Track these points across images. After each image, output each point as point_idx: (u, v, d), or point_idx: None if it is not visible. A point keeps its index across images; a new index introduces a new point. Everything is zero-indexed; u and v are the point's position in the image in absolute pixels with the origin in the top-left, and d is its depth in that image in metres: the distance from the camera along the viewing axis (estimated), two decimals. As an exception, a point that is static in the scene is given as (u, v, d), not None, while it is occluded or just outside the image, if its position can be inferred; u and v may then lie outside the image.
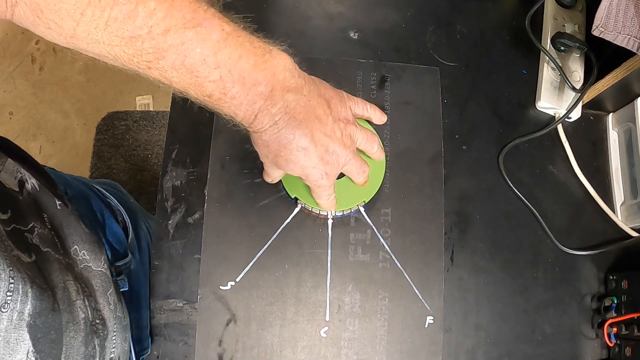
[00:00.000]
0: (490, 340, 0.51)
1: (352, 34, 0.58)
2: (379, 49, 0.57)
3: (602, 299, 0.52)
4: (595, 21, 0.47)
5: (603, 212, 0.55)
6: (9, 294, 0.29)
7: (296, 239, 0.50)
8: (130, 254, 0.54)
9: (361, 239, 0.51)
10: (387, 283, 0.50)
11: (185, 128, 0.53)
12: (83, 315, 0.36)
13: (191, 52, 0.31)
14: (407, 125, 0.55)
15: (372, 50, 0.57)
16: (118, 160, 1.42)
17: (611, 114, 0.58)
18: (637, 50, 0.47)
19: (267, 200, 0.51)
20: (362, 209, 0.51)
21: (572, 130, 0.58)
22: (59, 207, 0.40)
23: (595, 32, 0.47)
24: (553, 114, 0.58)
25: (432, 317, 0.50)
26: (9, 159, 0.39)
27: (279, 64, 0.35)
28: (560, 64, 0.55)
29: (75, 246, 0.40)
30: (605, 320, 0.51)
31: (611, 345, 0.51)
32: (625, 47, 0.47)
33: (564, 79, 0.55)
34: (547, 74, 0.57)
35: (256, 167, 0.51)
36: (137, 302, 0.51)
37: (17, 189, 0.38)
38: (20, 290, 0.29)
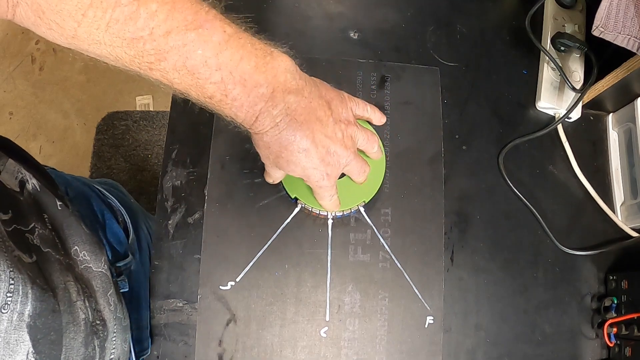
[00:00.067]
0: (490, 340, 0.51)
1: (352, 34, 0.58)
2: (379, 49, 0.57)
3: (602, 299, 0.52)
4: (595, 21, 0.47)
5: (603, 212, 0.55)
6: (9, 295, 0.29)
7: (296, 239, 0.50)
8: (130, 255, 0.54)
9: (361, 239, 0.51)
10: (387, 283, 0.50)
11: (185, 128, 0.53)
12: (83, 316, 0.36)
13: (192, 54, 0.31)
14: (407, 125, 0.55)
15: (372, 50, 0.57)
16: (118, 160, 1.42)
17: (611, 114, 0.58)
18: (637, 50, 0.47)
19: (267, 200, 0.51)
20: (362, 209, 0.51)
21: (572, 130, 0.58)
22: (59, 208, 0.40)
23: (595, 32, 0.47)
24: (553, 114, 0.58)
25: (432, 317, 0.50)
26: (9, 159, 0.39)
27: (280, 65, 0.35)
28: (560, 64, 0.55)
29: (76, 247, 0.40)
30: (605, 320, 0.51)
31: (611, 345, 0.51)
32: (625, 47, 0.47)
33: (564, 79, 0.55)
34: (547, 74, 0.57)
35: (256, 167, 0.51)
36: (137, 303, 0.51)
37: (18, 189, 0.38)
38: (21, 291, 0.29)
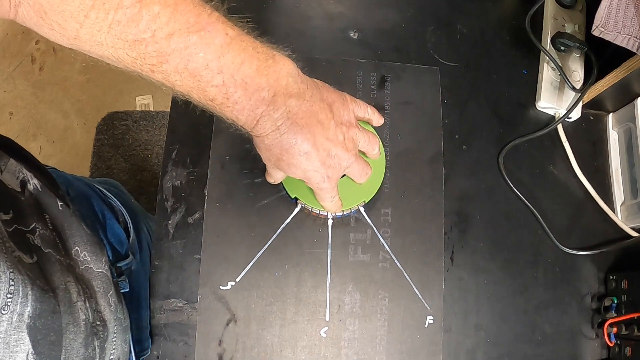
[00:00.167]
0: (490, 340, 0.51)
1: (352, 34, 0.58)
2: (379, 49, 0.57)
3: (602, 299, 0.52)
4: (595, 21, 0.47)
5: (603, 212, 0.55)
6: (9, 296, 0.29)
7: (296, 239, 0.50)
8: (131, 255, 0.54)
9: (361, 239, 0.51)
10: (387, 283, 0.50)
11: (185, 128, 0.53)
12: (83, 317, 0.36)
13: (194, 57, 0.31)
14: (407, 125, 0.55)
15: (372, 50, 0.57)
16: (118, 160, 1.42)
17: (611, 114, 0.58)
18: (637, 50, 0.47)
19: (267, 200, 0.51)
20: (362, 209, 0.51)
21: (572, 130, 0.58)
22: (60, 208, 0.40)
23: (595, 32, 0.47)
24: (553, 114, 0.58)
25: (432, 317, 0.50)
26: (11, 159, 0.39)
27: (282, 69, 0.35)
28: (560, 64, 0.55)
29: (77, 247, 0.40)
30: (605, 320, 0.51)
31: (611, 345, 0.51)
32: (625, 47, 0.47)
33: (564, 79, 0.55)
34: (547, 74, 0.57)
35: (256, 167, 0.51)
36: (137, 303, 0.51)
37: (19, 190, 0.38)
38: (21, 292, 0.29)
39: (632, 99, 0.54)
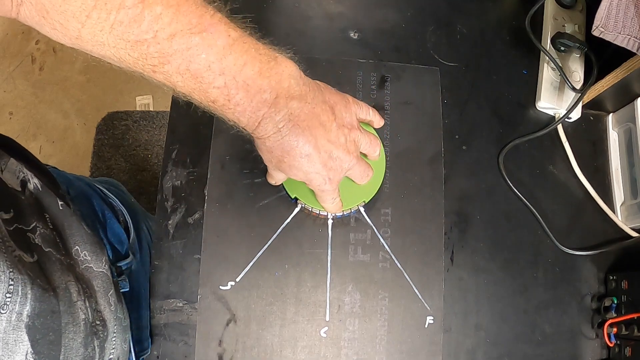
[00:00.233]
0: (490, 340, 0.51)
1: (352, 34, 0.58)
2: (379, 49, 0.57)
3: (602, 299, 0.52)
4: (595, 21, 0.47)
5: (603, 212, 0.55)
6: (8, 295, 0.29)
7: (296, 239, 0.50)
8: (131, 255, 0.54)
9: (361, 239, 0.51)
10: (387, 283, 0.50)
11: (185, 128, 0.53)
12: (83, 317, 0.35)
13: (196, 58, 0.31)
14: (407, 125, 0.55)
15: (372, 50, 0.57)
16: (118, 160, 1.42)
17: (611, 114, 0.58)
18: (637, 50, 0.47)
19: (267, 200, 0.51)
20: (362, 209, 0.51)
21: (572, 130, 0.58)
22: (61, 208, 0.40)
23: (595, 32, 0.47)
24: (553, 114, 0.58)
25: (432, 317, 0.50)
26: (11, 158, 0.39)
27: (284, 71, 0.35)
28: (560, 64, 0.55)
29: (77, 247, 0.40)
30: (605, 320, 0.51)
31: (611, 345, 0.51)
32: (625, 47, 0.47)
33: (564, 79, 0.55)
34: (547, 74, 0.57)
35: (256, 167, 0.51)
36: (137, 303, 0.51)
37: (20, 189, 0.38)
38: (20, 292, 0.29)
39: (632, 99, 0.54)
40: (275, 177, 0.46)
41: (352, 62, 0.56)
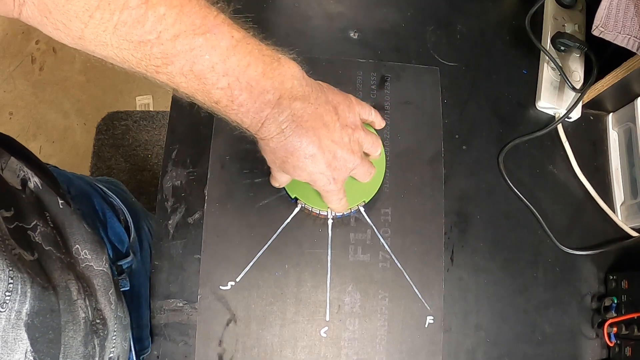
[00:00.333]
0: (490, 340, 0.51)
1: (352, 34, 0.58)
2: (379, 49, 0.57)
3: (602, 299, 0.52)
4: (595, 21, 0.47)
5: (603, 212, 0.55)
6: (7, 294, 0.29)
7: (296, 239, 0.50)
8: (132, 254, 0.54)
9: (361, 239, 0.51)
10: (387, 283, 0.50)
11: (185, 128, 0.53)
12: (83, 315, 0.35)
13: (200, 59, 0.31)
14: (407, 125, 0.55)
15: (372, 50, 0.57)
16: (118, 160, 1.42)
17: (611, 114, 0.58)
18: (637, 50, 0.47)
19: (267, 200, 0.51)
20: (362, 209, 0.51)
21: (572, 130, 0.58)
22: (61, 206, 0.40)
23: (595, 32, 0.47)
24: (553, 114, 0.58)
25: (432, 317, 0.50)
26: (12, 157, 0.39)
27: (287, 72, 0.35)
28: (560, 64, 0.55)
29: (77, 245, 0.40)
30: (605, 320, 0.51)
31: (611, 345, 0.51)
32: (625, 47, 0.47)
33: (564, 79, 0.55)
34: (547, 74, 0.57)
35: (256, 167, 0.51)
36: (137, 302, 0.51)
37: (20, 187, 0.38)
38: (19, 290, 0.29)
39: (632, 99, 0.54)
40: (279, 180, 0.46)
41: (352, 62, 0.56)
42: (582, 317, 0.53)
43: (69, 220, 0.40)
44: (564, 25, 0.58)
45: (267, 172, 0.51)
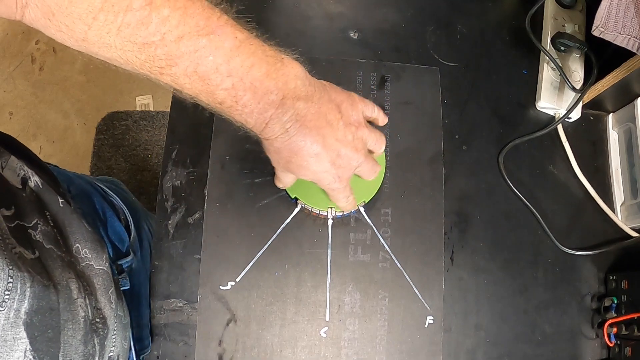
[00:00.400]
0: (490, 340, 0.51)
1: (352, 34, 0.58)
2: (379, 49, 0.57)
3: (602, 299, 0.52)
4: (595, 21, 0.47)
5: (603, 212, 0.55)
6: (7, 292, 0.29)
7: (296, 239, 0.50)
8: (132, 253, 0.54)
9: (361, 239, 0.51)
10: (387, 283, 0.50)
11: (185, 128, 0.53)
12: (83, 314, 0.35)
13: (204, 60, 0.31)
14: (407, 125, 0.55)
15: (372, 50, 0.57)
16: (118, 160, 1.42)
17: (611, 114, 0.58)
18: (637, 50, 0.47)
19: (267, 200, 0.51)
20: (362, 209, 0.51)
21: (572, 130, 0.58)
22: (61, 205, 0.40)
23: (595, 32, 0.47)
24: (553, 114, 0.58)
25: (432, 317, 0.50)
26: (12, 156, 0.39)
27: (291, 72, 0.35)
28: (560, 64, 0.55)
29: (77, 244, 0.40)
30: (605, 320, 0.51)
31: (611, 345, 0.51)
32: (625, 47, 0.47)
33: (564, 79, 0.55)
34: (547, 74, 0.57)
35: (256, 167, 0.51)
36: (137, 301, 0.51)
37: (20, 186, 0.38)
38: (19, 289, 0.29)
39: (632, 99, 0.54)
40: (284, 180, 0.46)
41: (352, 62, 0.56)
42: (582, 317, 0.53)
43: (69, 219, 0.40)
44: (564, 26, 0.58)
45: (267, 172, 0.51)
